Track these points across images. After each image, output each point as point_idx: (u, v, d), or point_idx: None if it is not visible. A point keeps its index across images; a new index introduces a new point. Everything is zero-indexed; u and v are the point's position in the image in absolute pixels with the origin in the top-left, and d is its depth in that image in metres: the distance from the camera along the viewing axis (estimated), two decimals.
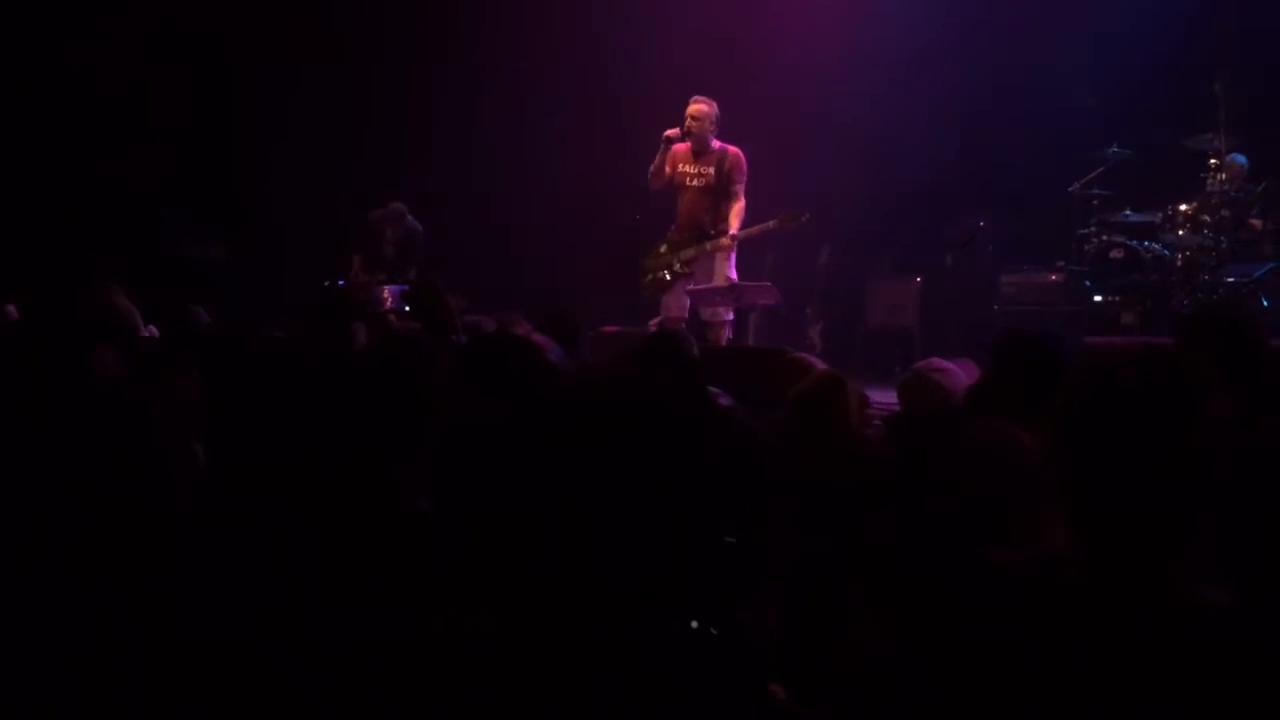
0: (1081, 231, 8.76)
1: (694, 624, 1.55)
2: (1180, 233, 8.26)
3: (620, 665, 1.49)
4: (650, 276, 7.68)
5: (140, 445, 1.78)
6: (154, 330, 4.34)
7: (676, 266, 7.56)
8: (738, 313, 7.60)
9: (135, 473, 1.73)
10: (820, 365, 4.41)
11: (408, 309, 5.75)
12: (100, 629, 1.72)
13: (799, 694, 1.90)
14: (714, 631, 1.54)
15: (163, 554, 1.73)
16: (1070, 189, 8.87)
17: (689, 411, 1.74)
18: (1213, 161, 8.24)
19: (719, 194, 7.49)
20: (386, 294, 8.38)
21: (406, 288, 7.52)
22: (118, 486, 1.76)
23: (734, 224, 7.39)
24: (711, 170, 7.51)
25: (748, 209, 7.47)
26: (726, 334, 7.42)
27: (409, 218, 9.12)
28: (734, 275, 7.49)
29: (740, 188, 7.43)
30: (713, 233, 7.50)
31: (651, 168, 7.67)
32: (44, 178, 8.93)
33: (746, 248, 7.89)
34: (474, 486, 1.76)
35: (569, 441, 1.57)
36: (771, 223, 7.44)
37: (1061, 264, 8.81)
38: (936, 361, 3.59)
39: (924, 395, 3.35)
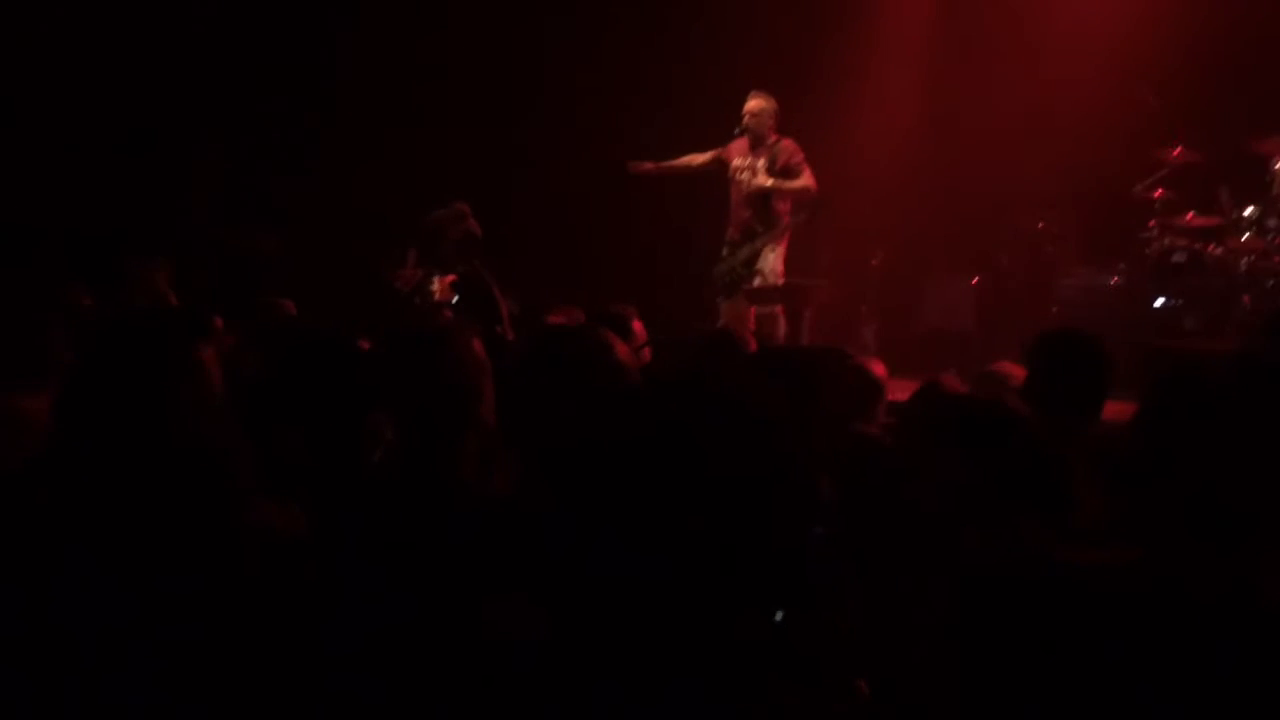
0: (1143, 234, 8.62)
1: (778, 617, 1.52)
2: (1244, 237, 8.12)
3: (704, 662, 1.47)
4: (721, 283, 7.68)
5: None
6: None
7: (740, 269, 7.55)
8: (792, 311, 7.57)
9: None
10: (880, 370, 4.36)
11: (456, 300, 5.75)
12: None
13: (880, 690, 1.87)
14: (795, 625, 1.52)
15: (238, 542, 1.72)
16: (1132, 191, 8.74)
17: (761, 411, 1.71)
18: (1278, 165, 8.10)
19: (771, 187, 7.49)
20: (436, 285, 8.39)
21: (455, 278, 7.52)
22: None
23: (773, 185, 7.40)
24: (764, 163, 7.50)
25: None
26: (781, 331, 7.39)
27: (471, 219, 9.13)
28: (781, 270, 7.49)
29: (801, 167, 7.43)
30: (761, 230, 7.49)
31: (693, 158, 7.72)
32: (98, 167, 9.01)
33: (800, 245, 7.87)
34: (546, 474, 1.75)
35: (646, 436, 1.55)
36: (801, 214, 7.46)
37: (1122, 267, 8.68)
38: (1007, 365, 3.54)
39: (1000, 388, 3.29)
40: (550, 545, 1.58)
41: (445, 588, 1.72)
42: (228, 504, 1.57)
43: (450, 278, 7.29)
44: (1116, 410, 3.46)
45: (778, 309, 7.37)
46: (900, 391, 4.15)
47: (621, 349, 2.06)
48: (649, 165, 7.92)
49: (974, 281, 9.73)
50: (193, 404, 1.61)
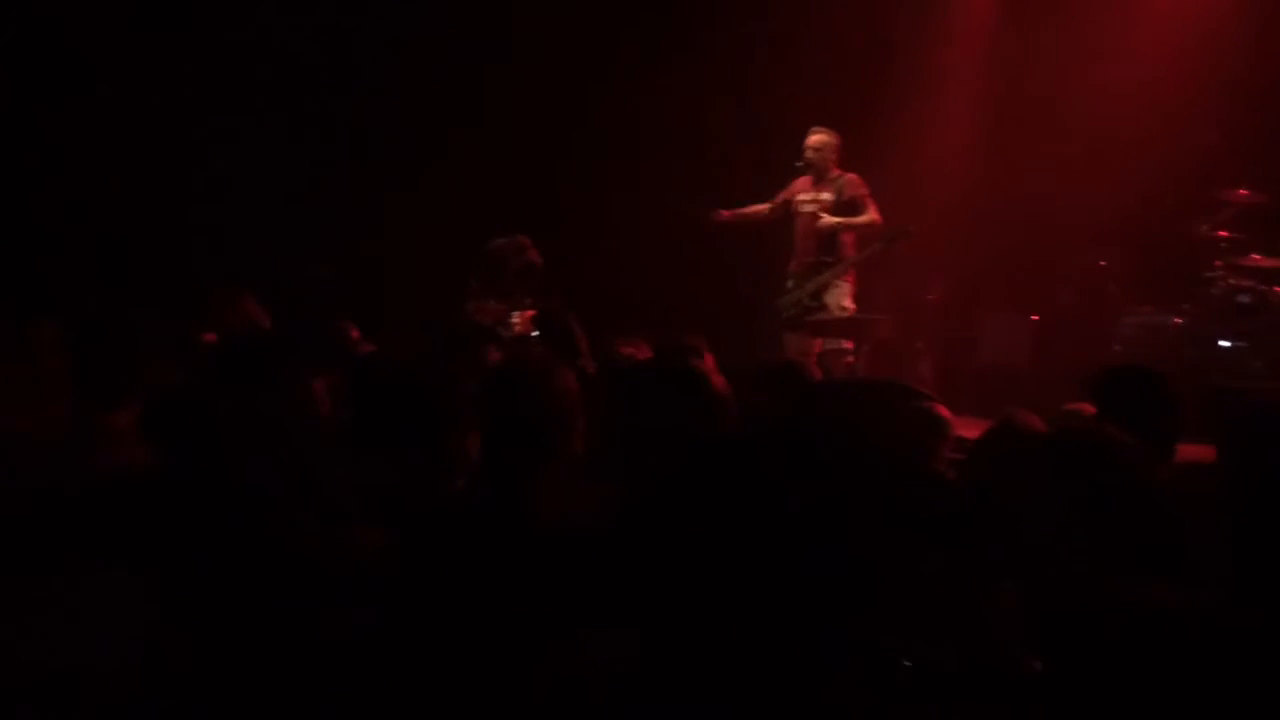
0: (1207, 275, 8.54)
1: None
2: None
3: (794, 688, 1.49)
4: (786, 315, 7.67)
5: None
6: None
7: (807, 300, 7.54)
8: (853, 343, 7.57)
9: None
10: (946, 412, 4.35)
11: (535, 334, 5.78)
12: None
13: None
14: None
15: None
16: (1196, 231, 8.67)
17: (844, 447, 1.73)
18: None
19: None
20: (517, 318, 8.41)
21: (534, 313, 7.55)
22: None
23: (841, 223, 7.39)
24: (829, 196, 7.52)
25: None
26: (847, 365, 7.38)
27: (532, 249, 9.19)
28: (851, 305, 7.47)
29: (867, 201, 7.44)
30: (829, 261, 7.49)
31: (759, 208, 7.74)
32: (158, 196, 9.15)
33: (860, 278, 7.86)
34: (640, 505, 1.77)
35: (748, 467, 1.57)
36: (878, 244, 7.42)
37: (1186, 307, 8.59)
38: (1086, 406, 3.52)
39: None
40: (641, 575, 1.59)
41: (532, 616, 1.74)
42: (328, 527, 1.60)
43: (530, 312, 7.32)
44: (1186, 452, 3.43)
45: (846, 343, 7.37)
46: (963, 429, 4.13)
47: (718, 380, 2.08)
48: (726, 214, 7.94)
49: (1033, 318, 9.67)
50: (302, 429, 1.64)
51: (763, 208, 7.85)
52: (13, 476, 1.79)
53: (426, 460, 2.17)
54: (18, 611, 1.47)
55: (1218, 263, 8.48)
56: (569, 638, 1.63)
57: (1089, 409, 3.47)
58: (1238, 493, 1.71)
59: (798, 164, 7.65)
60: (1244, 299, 8.23)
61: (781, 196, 7.75)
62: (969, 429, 3.96)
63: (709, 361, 4.09)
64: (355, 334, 5.02)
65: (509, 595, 1.88)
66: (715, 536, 1.54)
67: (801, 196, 7.65)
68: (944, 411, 4.45)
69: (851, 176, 7.53)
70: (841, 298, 7.49)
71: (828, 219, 7.37)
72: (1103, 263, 9.50)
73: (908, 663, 1.57)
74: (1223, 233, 8.52)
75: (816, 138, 7.60)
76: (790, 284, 7.67)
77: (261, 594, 1.64)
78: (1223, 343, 8.25)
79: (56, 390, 2.17)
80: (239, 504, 1.62)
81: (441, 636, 1.79)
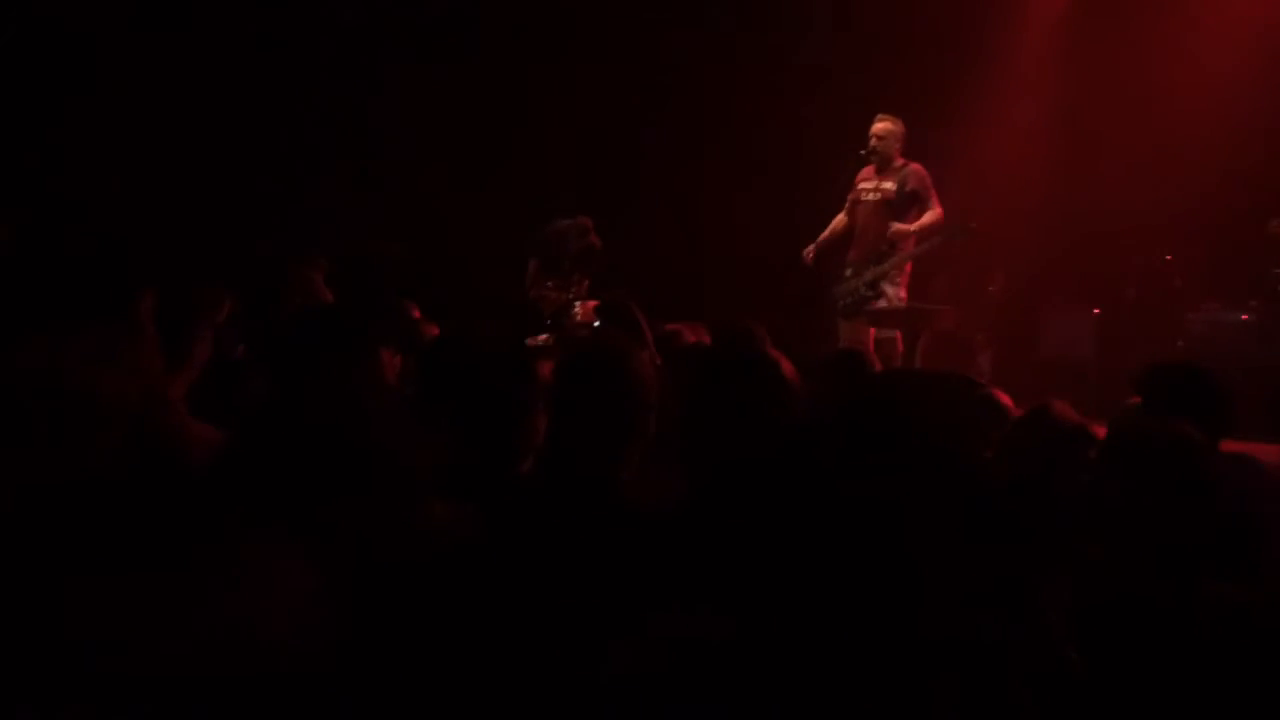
0: (1275, 271, 8.42)
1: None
2: None
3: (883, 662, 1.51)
4: (843, 303, 7.63)
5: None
6: None
7: (864, 290, 7.51)
8: (910, 335, 7.51)
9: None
10: (1009, 401, 4.33)
11: (597, 325, 5.76)
12: None
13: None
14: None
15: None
16: (1266, 227, 8.54)
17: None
18: None
19: (897, 210, 7.43)
20: (579, 309, 8.42)
21: (597, 303, 7.56)
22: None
23: (912, 230, 7.32)
24: (891, 185, 7.47)
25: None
26: (899, 355, 7.34)
27: (593, 233, 9.22)
28: (904, 296, 7.43)
29: (932, 197, 7.37)
30: (886, 250, 7.45)
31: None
32: (226, 177, 9.27)
33: (919, 269, 7.81)
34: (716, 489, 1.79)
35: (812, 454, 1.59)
36: (938, 239, 7.35)
37: (1254, 304, 8.48)
38: None
39: None
40: (710, 559, 1.61)
41: (611, 596, 1.76)
42: (410, 502, 1.63)
43: (593, 303, 7.29)
44: (1260, 451, 3.39)
45: (896, 333, 7.31)
46: None
47: (788, 367, 2.09)
48: (813, 247, 7.89)
49: (1095, 312, 9.57)
50: (375, 402, 1.66)
51: (839, 220, 7.81)
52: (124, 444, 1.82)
53: (497, 441, 2.20)
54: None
55: None
56: (647, 619, 1.65)
57: None
58: None
59: (862, 151, 7.61)
60: None
61: (851, 195, 7.72)
62: None
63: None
64: (417, 314, 5.07)
65: (588, 576, 1.90)
66: (783, 523, 1.56)
67: (864, 185, 7.62)
68: (1005, 399, 4.45)
69: (915, 167, 7.48)
70: (897, 288, 7.44)
71: (898, 227, 7.32)
72: (1169, 257, 9.39)
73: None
74: None
75: (881, 125, 7.55)
76: (849, 272, 7.63)
77: (356, 572, 1.65)
78: None
79: (151, 357, 2.22)
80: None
81: (522, 614, 1.81)
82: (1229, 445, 3.08)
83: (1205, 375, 3.29)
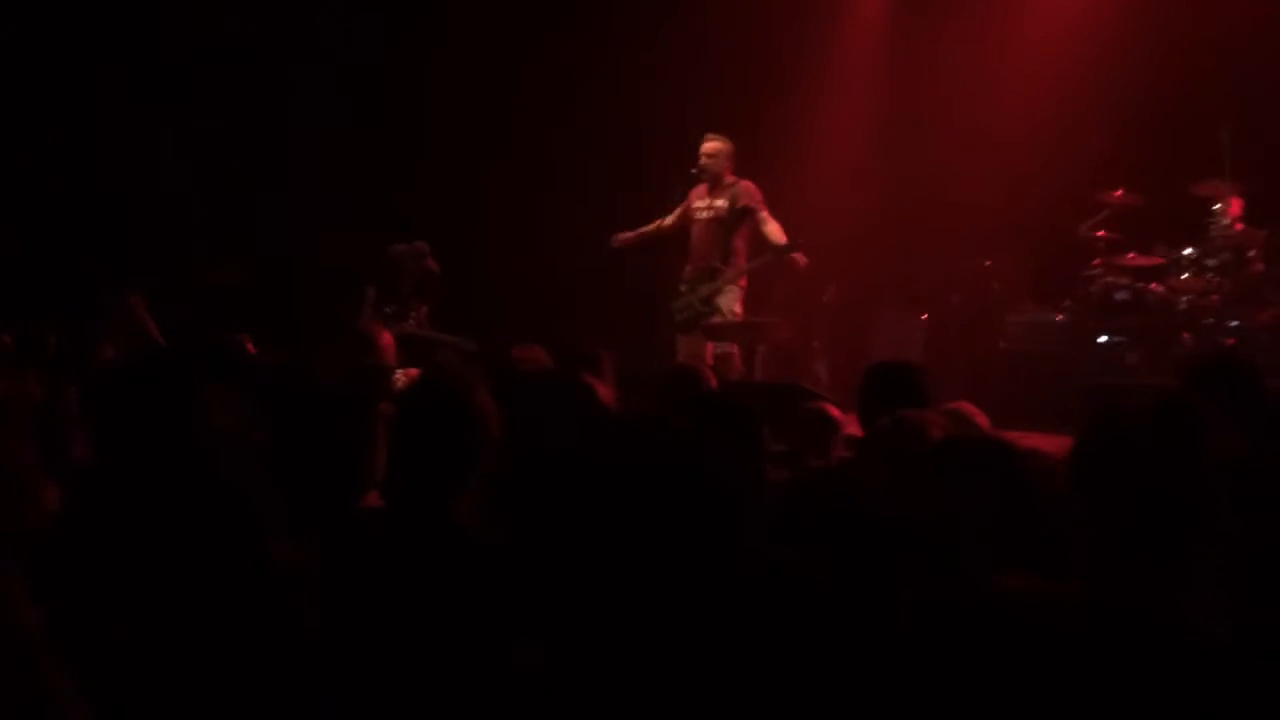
0: (1087, 273, 8.86)
1: None
2: (1184, 276, 8.40)
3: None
4: (679, 318, 7.79)
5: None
6: None
7: (699, 306, 7.68)
8: (747, 348, 7.70)
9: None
10: (837, 412, 4.54)
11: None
12: None
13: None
14: None
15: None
16: (1077, 231, 8.99)
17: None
18: (1217, 206, 8.39)
19: (730, 227, 7.64)
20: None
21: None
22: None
23: (744, 242, 7.51)
24: (724, 203, 7.67)
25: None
26: (737, 368, 7.52)
27: (429, 258, 9.17)
28: (740, 310, 7.63)
29: (764, 211, 7.59)
30: (719, 266, 7.64)
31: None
32: (68, 200, 9.03)
33: (755, 282, 8.03)
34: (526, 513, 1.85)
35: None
36: (769, 255, 7.58)
37: (1068, 304, 8.91)
38: (967, 405, 3.69)
39: (969, 426, 3.41)
40: (539, 589, 1.69)
41: (445, 626, 1.81)
42: (260, 541, 1.66)
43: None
44: (1056, 444, 3.62)
45: (733, 347, 7.50)
46: (856, 427, 4.31)
47: (604, 391, 2.17)
48: (630, 235, 8.03)
49: (923, 317, 9.94)
50: (217, 444, 1.69)
51: (664, 221, 7.95)
52: None
53: (336, 475, 2.24)
54: None
55: (1096, 262, 8.81)
56: (489, 649, 1.71)
57: (969, 407, 3.64)
58: (1085, 481, 1.86)
59: (693, 170, 7.79)
60: (1121, 296, 8.57)
61: (680, 209, 7.90)
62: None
63: (607, 367, 4.18)
64: (251, 347, 5.00)
65: (422, 606, 1.95)
66: (590, 548, 1.64)
67: (697, 204, 7.81)
68: (835, 411, 4.65)
69: (746, 184, 7.70)
70: (733, 303, 7.64)
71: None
72: (988, 263, 9.81)
73: None
74: (1101, 233, 8.85)
75: (711, 144, 7.75)
76: (683, 288, 7.80)
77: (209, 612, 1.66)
78: (1102, 339, 8.58)
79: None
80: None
81: (357, 647, 1.86)
82: (1019, 437, 3.28)
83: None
